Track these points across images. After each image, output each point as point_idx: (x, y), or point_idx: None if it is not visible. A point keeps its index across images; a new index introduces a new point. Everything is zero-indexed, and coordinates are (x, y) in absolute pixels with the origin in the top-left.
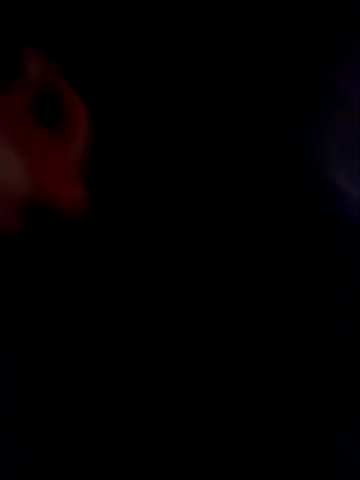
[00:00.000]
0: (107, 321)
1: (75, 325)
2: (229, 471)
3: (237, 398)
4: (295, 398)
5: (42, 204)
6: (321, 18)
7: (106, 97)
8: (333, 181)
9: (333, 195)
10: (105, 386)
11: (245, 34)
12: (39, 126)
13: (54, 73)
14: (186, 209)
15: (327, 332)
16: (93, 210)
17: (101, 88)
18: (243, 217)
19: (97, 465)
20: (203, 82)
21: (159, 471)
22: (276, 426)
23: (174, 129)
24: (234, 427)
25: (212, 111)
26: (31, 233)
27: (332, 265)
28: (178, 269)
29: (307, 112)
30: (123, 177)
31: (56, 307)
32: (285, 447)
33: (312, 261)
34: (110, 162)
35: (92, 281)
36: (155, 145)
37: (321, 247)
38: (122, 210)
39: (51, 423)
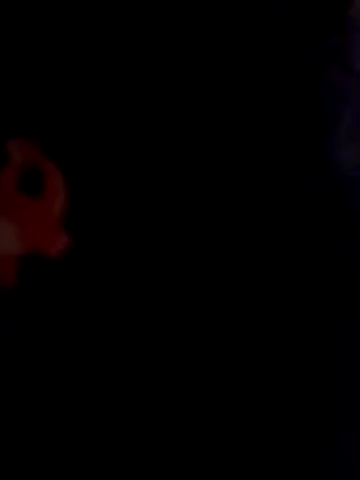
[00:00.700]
0: (102, 357)
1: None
2: (229, 471)
3: (237, 398)
4: (296, 398)
5: (33, 257)
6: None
7: (78, 162)
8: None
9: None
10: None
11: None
12: (24, 196)
13: (34, 152)
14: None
15: (329, 327)
16: (77, 255)
17: (73, 156)
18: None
19: (97, 465)
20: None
21: (159, 471)
22: (276, 426)
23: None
24: (234, 427)
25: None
26: (26, 283)
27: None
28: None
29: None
30: (101, 222)
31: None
32: (285, 447)
33: (321, 253)
34: (86, 213)
35: (83, 317)
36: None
37: (332, 238)
38: (104, 250)
39: (50, 425)
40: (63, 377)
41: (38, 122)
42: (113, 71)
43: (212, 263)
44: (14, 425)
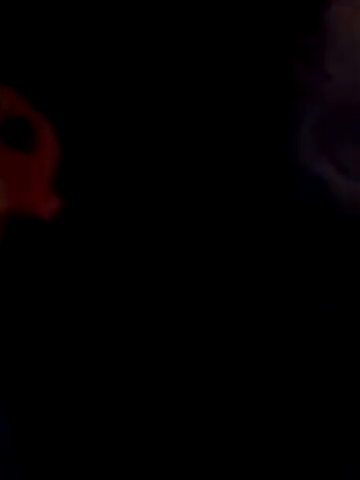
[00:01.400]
0: (91, 323)
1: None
2: (229, 471)
3: (238, 398)
4: (297, 398)
5: (21, 218)
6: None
7: (71, 113)
8: (323, 174)
9: (323, 188)
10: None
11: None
12: (10, 149)
13: (23, 102)
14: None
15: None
16: (69, 218)
17: (65, 106)
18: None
19: (96, 466)
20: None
21: (159, 471)
22: (276, 427)
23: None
24: (234, 427)
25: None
26: (12, 244)
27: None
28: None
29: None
30: (95, 183)
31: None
32: (285, 448)
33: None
34: (80, 172)
35: (72, 284)
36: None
37: (314, 243)
38: (98, 214)
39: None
40: (48, 341)
41: (28, 74)
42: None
43: (204, 231)
44: None
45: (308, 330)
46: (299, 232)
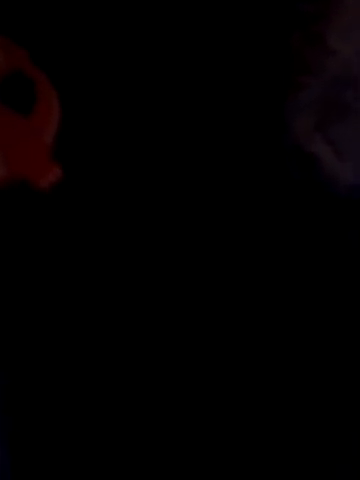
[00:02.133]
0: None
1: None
2: (229, 471)
3: (237, 398)
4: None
5: (19, 185)
6: None
7: (76, 79)
8: (320, 155)
9: (319, 174)
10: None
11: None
12: (10, 111)
13: (23, 59)
14: (157, 189)
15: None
16: (69, 188)
17: (71, 71)
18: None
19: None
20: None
21: (159, 471)
22: (276, 427)
23: (144, 110)
24: (234, 427)
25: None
26: (9, 213)
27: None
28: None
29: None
30: (96, 155)
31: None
32: (285, 448)
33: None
34: (83, 142)
35: (68, 256)
36: (127, 124)
37: (312, 228)
38: (96, 186)
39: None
40: (45, 313)
41: (31, 32)
42: None
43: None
44: None
45: (303, 306)
46: (293, 211)
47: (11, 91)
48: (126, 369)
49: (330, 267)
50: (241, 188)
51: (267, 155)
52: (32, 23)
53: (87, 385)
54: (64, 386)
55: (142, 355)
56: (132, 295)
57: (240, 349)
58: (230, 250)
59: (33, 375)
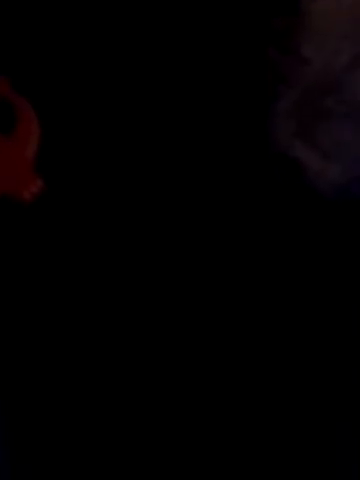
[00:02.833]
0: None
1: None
2: (229, 471)
3: (237, 398)
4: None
5: (5, 199)
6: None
7: (53, 99)
8: (305, 160)
9: (304, 178)
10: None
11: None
12: None
13: (5, 86)
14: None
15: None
16: (51, 199)
17: (48, 93)
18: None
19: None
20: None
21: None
22: (275, 426)
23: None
24: (233, 427)
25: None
26: None
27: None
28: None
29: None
30: (76, 167)
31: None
32: (284, 447)
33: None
34: (62, 156)
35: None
36: (105, 135)
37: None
38: (77, 196)
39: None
40: (29, 320)
41: (11, 58)
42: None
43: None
44: None
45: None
46: (280, 215)
47: None
48: (126, 369)
49: (319, 268)
50: (228, 195)
51: (252, 162)
52: (10, 51)
53: (87, 385)
54: (64, 386)
55: (136, 358)
56: (113, 301)
57: (228, 346)
58: (218, 256)
59: (31, 378)
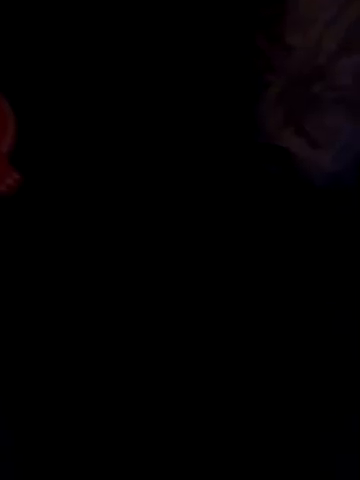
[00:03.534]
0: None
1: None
2: (229, 471)
3: (236, 398)
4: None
5: None
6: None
7: (28, 96)
8: (295, 148)
9: (294, 167)
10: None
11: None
12: None
13: None
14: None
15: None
16: (27, 191)
17: (23, 90)
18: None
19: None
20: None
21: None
22: (275, 426)
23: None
24: (233, 427)
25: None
26: None
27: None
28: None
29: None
30: (51, 161)
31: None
32: (284, 447)
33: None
34: (37, 150)
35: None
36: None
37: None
38: (53, 188)
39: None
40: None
41: None
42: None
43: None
44: None
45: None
46: (272, 205)
47: None
48: (126, 368)
49: (311, 257)
50: (218, 185)
51: (242, 152)
52: None
53: (87, 385)
54: (64, 386)
55: (131, 358)
56: (92, 295)
57: (226, 342)
58: (208, 245)
59: (31, 378)
